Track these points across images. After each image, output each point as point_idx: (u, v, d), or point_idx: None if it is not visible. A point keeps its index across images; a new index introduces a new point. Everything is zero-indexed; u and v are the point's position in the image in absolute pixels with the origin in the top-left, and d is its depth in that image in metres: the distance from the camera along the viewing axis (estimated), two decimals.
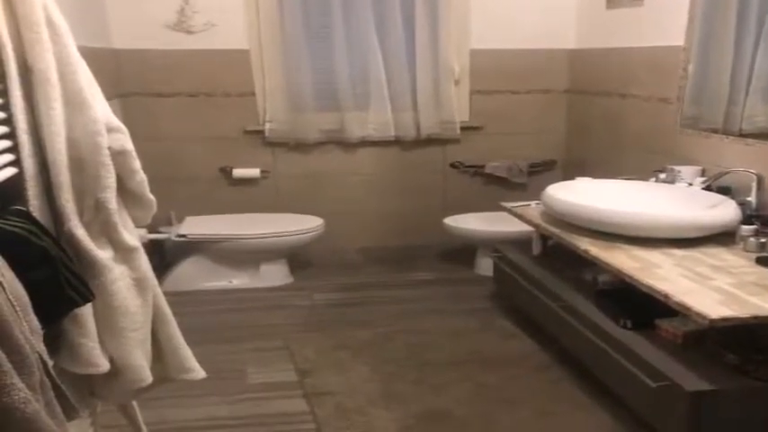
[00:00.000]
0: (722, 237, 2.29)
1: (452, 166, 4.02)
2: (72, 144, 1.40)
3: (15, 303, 1.07)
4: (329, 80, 3.74)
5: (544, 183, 2.99)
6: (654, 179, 2.83)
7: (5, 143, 1.33)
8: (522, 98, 3.98)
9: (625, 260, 2.12)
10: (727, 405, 1.83)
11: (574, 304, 2.43)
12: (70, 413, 1.17)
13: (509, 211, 2.93)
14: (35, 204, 1.35)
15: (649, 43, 3.15)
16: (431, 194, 4.05)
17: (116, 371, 1.52)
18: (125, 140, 1.51)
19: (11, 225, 1.20)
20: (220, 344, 2.80)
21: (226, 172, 3.81)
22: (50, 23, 1.35)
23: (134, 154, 1.55)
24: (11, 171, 1.32)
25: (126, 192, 1.57)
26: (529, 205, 2.91)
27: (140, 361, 1.54)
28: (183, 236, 3.39)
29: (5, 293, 1.04)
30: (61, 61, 1.37)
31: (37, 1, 1.32)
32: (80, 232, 1.42)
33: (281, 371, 2.58)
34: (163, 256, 3.59)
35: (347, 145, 3.89)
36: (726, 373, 1.89)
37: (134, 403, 1.81)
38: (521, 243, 3.14)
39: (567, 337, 2.48)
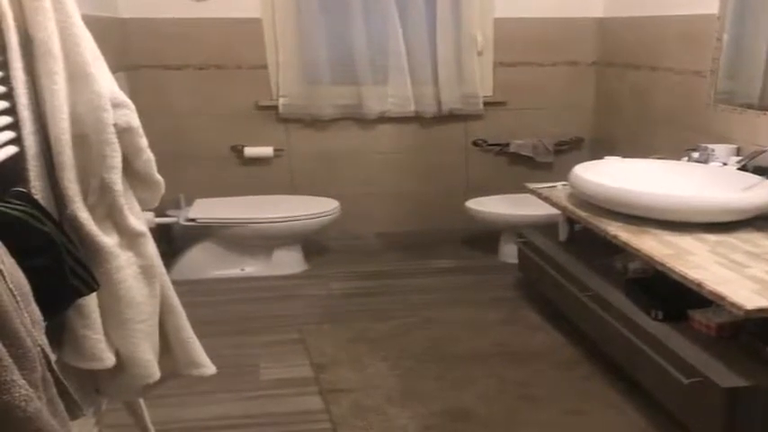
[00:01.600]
0: (758, 221, 2.27)
1: (475, 144, 4.01)
2: (75, 120, 1.39)
3: (16, 293, 1.06)
4: (346, 51, 3.74)
5: (571, 162, 2.99)
6: (686, 158, 2.82)
7: (6, 119, 1.31)
8: (548, 71, 3.96)
9: (656, 246, 2.11)
10: (764, 402, 1.80)
11: (603, 294, 2.43)
12: (74, 411, 1.17)
13: (534, 193, 2.92)
14: (37, 186, 1.34)
15: (682, 11, 3.11)
16: (452, 175, 4.05)
17: (122, 366, 1.52)
18: (131, 117, 1.50)
19: (11, 208, 1.20)
20: (231, 336, 2.81)
21: (237, 150, 3.81)
22: None
23: (141, 131, 1.53)
24: (11, 150, 1.31)
25: (132, 172, 1.56)
26: (555, 187, 2.90)
27: (147, 355, 1.54)
28: (193, 220, 3.40)
29: (5, 282, 1.03)
30: (64, 31, 1.35)
31: None
32: (84, 216, 1.41)
33: (296, 366, 2.59)
34: (171, 242, 3.60)
35: (365, 121, 3.89)
36: (762, 369, 1.86)
37: (141, 401, 1.81)
38: (547, 227, 3.14)
39: (595, 330, 2.48)
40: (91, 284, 1.34)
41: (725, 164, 2.64)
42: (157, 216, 3.33)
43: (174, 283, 1.71)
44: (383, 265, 3.65)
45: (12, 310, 1.01)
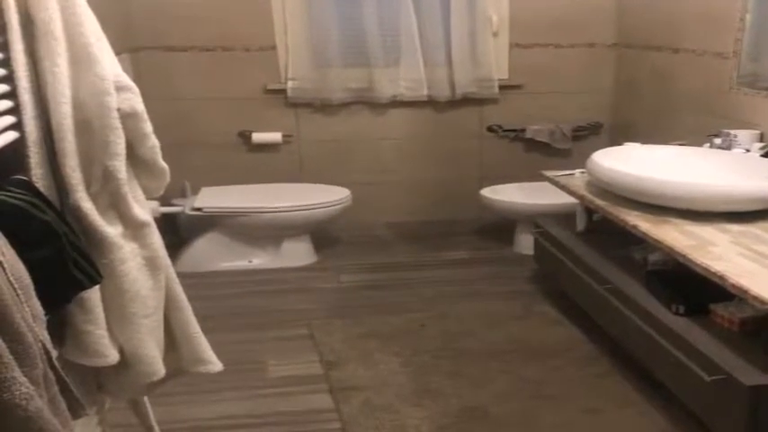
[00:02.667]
0: None
1: (490, 129, 4.01)
2: (78, 105, 1.38)
3: (16, 285, 1.05)
4: (357, 32, 3.73)
5: (589, 148, 2.98)
6: (708, 144, 2.80)
7: (6, 103, 1.31)
8: (566, 52, 3.94)
9: (677, 237, 2.10)
10: None
11: (622, 287, 2.43)
12: (76, 410, 1.16)
13: (551, 180, 2.92)
14: (38, 173, 1.33)
15: None
16: (466, 162, 4.05)
17: (126, 362, 1.51)
18: (135, 101, 1.49)
19: (11, 197, 1.19)
20: (239, 332, 2.82)
21: (245, 136, 3.81)
22: None
23: (145, 116, 1.52)
24: (12, 135, 1.30)
25: (136, 159, 1.55)
26: (573, 174, 2.89)
27: (152, 351, 1.54)
28: (199, 209, 3.40)
29: (6, 274, 1.03)
30: (66, 11, 1.34)
31: None
32: (87, 205, 1.41)
33: (305, 363, 2.59)
34: (176, 233, 3.61)
35: (376, 105, 3.89)
36: None
37: (145, 399, 1.82)
38: (564, 217, 3.12)
39: (614, 325, 2.49)
40: (94, 277, 1.33)
41: (748, 150, 2.63)
42: (162, 205, 3.33)
43: (179, 275, 1.70)
44: (395, 257, 3.65)
45: (12, 304, 1.00)
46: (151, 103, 1.72)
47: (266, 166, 3.86)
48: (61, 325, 1.40)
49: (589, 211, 2.90)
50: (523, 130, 3.99)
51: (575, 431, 2.17)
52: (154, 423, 1.84)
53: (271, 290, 3.26)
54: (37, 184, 1.31)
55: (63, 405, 1.11)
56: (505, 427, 2.18)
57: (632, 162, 2.54)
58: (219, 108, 3.76)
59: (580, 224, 2.98)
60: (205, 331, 1.74)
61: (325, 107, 3.84)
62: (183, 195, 3.62)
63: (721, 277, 1.82)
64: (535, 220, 3.23)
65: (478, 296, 3.14)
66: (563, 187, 2.81)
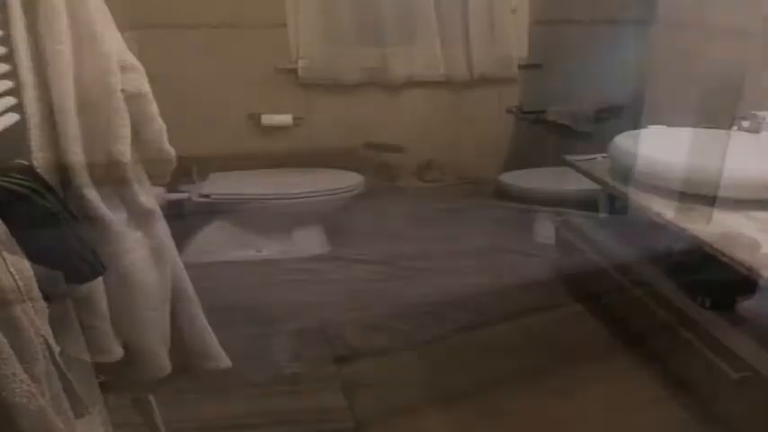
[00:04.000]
0: None
1: (509, 111, 3.98)
2: (81, 86, 1.37)
3: (17, 277, 1.05)
4: (370, 9, 3.71)
5: (612, 131, 2.94)
6: (736, 127, 2.77)
7: (6, 84, 1.30)
8: (588, 30, 3.89)
9: (703, 225, 2.10)
10: None
11: (646, 278, 2.44)
12: (78, 409, 1.16)
13: (573, 166, 2.91)
14: (39, 158, 1.32)
15: None
16: (484, 146, 4.02)
17: (130, 359, 1.51)
18: (141, 81, 1.49)
19: (11, 182, 1.19)
20: (247, 326, 2.81)
21: (254, 119, 3.80)
22: None
23: (151, 97, 1.53)
24: (12, 117, 1.29)
25: (141, 143, 1.55)
26: (595, 159, 2.87)
27: (158, 347, 1.54)
28: (206, 196, 3.40)
29: (6, 264, 1.03)
30: None
31: None
32: (90, 191, 1.40)
33: (317, 359, 2.59)
34: (182, 221, 3.60)
35: (390, 86, 3.87)
36: None
37: (150, 397, 1.82)
38: (587, 204, 3.12)
39: (637, 318, 2.50)
40: (97, 268, 1.33)
41: None
42: (168, 191, 3.32)
43: (185, 265, 1.70)
44: (410, 246, 3.64)
45: (13, 297, 1.00)
46: (157, 83, 1.70)
47: (276, 151, 3.85)
48: (63, 319, 1.40)
49: (612, 197, 2.90)
50: (544, 112, 3.97)
51: (596, 428, 2.18)
52: (159, 422, 1.84)
53: (280, 281, 3.26)
54: (38, 169, 1.30)
55: (66, 404, 1.11)
56: (524, 425, 2.19)
57: (656, 146, 2.54)
58: (228, 89, 3.75)
59: (603, 211, 2.97)
60: (212, 325, 1.74)
61: (336, 87, 3.82)
62: (190, 181, 3.61)
63: (749, 268, 1.82)
64: (556, 207, 3.23)
65: (496, 287, 3.13)
66: (585, 173, 2.81)
